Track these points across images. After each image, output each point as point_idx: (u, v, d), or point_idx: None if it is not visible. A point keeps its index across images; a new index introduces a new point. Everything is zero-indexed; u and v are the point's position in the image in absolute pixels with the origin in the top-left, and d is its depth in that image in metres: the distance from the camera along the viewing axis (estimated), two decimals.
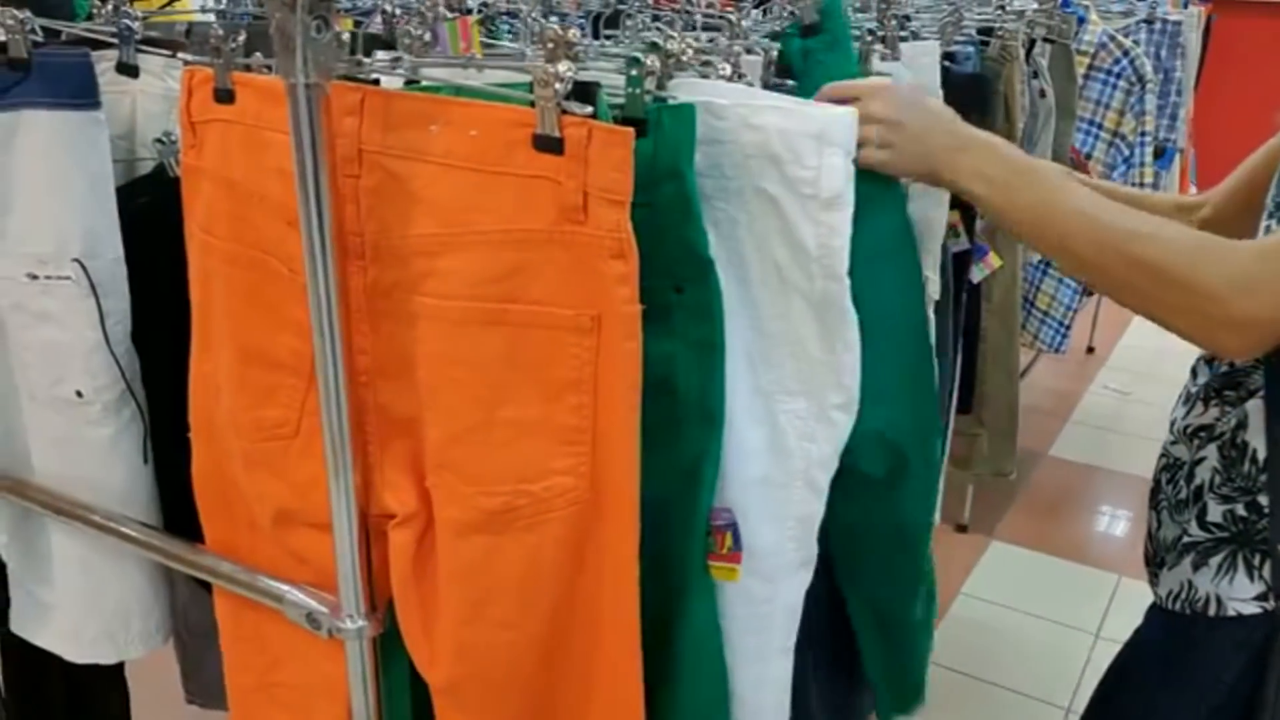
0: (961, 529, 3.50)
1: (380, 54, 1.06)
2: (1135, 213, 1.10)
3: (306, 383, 1.07)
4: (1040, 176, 1.14)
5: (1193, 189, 4.79)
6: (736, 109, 1.02)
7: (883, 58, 1.50)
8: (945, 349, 1.61)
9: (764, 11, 1.89)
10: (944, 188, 1.20)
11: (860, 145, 1.07)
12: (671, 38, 1.04)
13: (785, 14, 1.88)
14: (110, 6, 1.39)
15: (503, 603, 1.05)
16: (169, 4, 1.80)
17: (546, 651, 1.08)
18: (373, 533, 1.10)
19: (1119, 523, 3.71)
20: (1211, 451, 1.23)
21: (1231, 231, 1.23)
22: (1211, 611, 1.23)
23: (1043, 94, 2.56)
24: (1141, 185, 3.29)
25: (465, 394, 1.01)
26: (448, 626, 1.07)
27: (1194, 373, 1.33)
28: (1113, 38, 3.13)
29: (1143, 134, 3.26)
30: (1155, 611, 1.33)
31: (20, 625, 1.52)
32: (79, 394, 1.30)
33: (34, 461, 1.38)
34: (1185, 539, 1.26)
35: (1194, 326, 1.07)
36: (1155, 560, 1.34)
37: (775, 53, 1.19)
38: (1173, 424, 1.34)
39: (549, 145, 0.92)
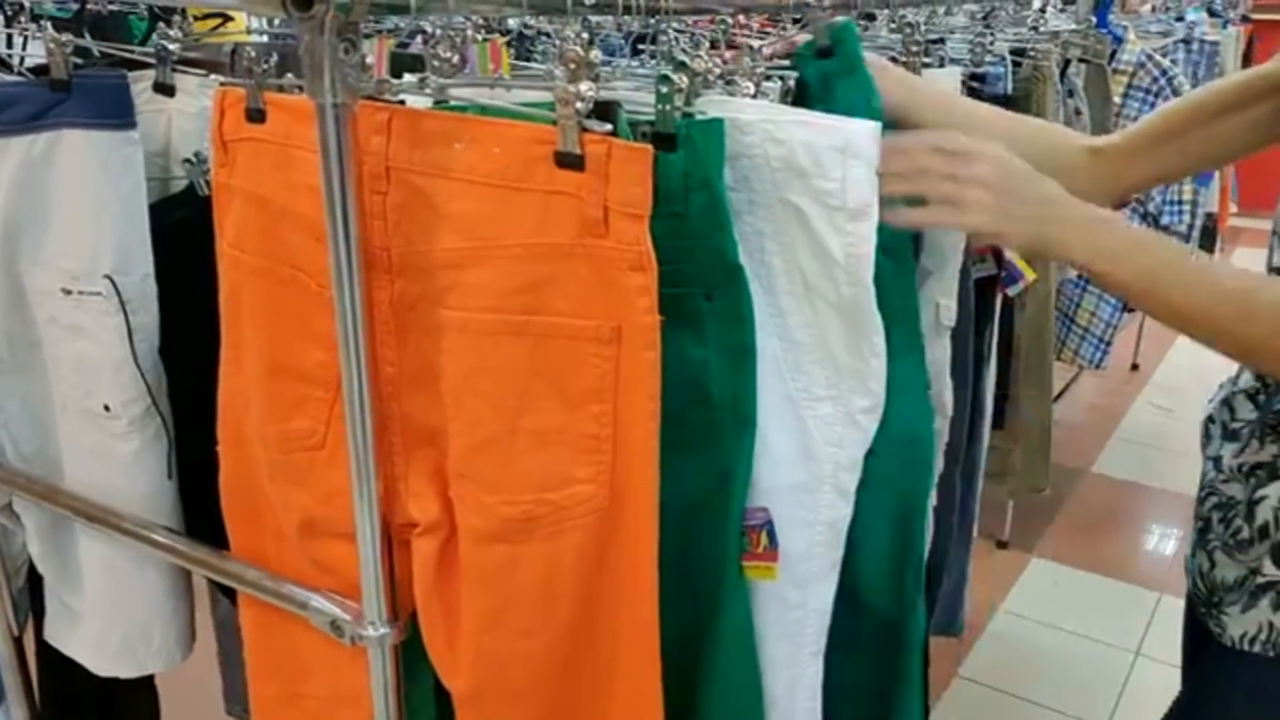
0: (1002, 545, 3.48)
1: (408, 76, 1.08)
2: (1253, 274, 1.09)
3: (333, 395, 1.09)
4: (1154, 246, 1.12)
5: (1233, 207, 4.75)
6: (762, 124, 1.04)
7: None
8: (964, 376, 1.60)
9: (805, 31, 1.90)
10: (1045, 258, 1.18)
11: (959, 208, 1.08)
12: (698, 57, 1.06)
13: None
14: (175, 29, 1.43)
15: (523, 611, 1.06)
16: (219, 26, 1.84)
17: (567, 659, 1.09)
18: (396, 542, 1.11)
19: (1161, 540, 3.67)
20: (1276, 489, 1.21)
21: (1125, 166, 1.34)
22: None
23: (1078, 113, 2.55)
24: (1180, 203, 3.27)
25: (488, 404, 1.02)
26: (469, 635, 1.08)
27: (1230, 407, 1.30)
28: (1150, 57, 3.12)
29: None
30: (1226, 654, 1.29)
31: (53, 634, 1.55)
32: (106, 408, 1.33)
33: (66, 471, 1.41)
34: (1259, 579, 1.23)
35: None
36: (1213, 602, 1.31)
37: (793, 82, 1.19)
38: (1217, 460, 1.30)
39: (570, 162, 0.94)
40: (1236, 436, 1.28)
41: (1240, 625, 1.26)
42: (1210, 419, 1.34)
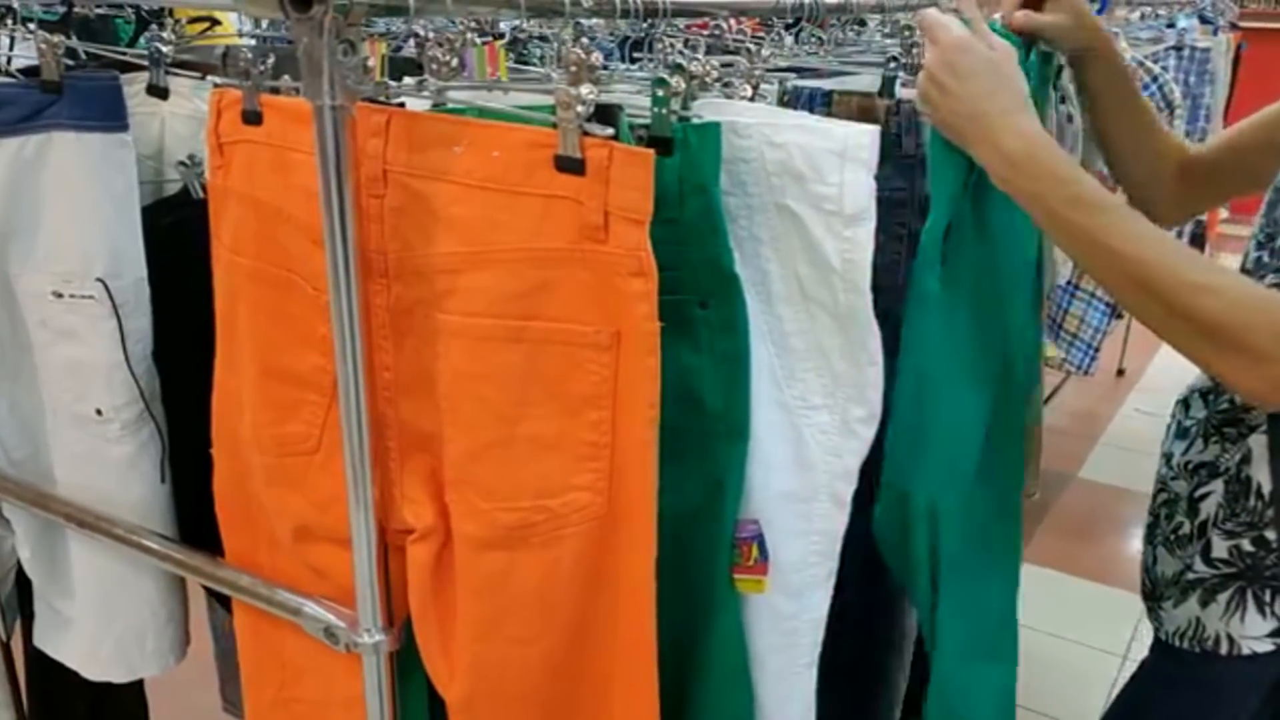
0: None
1: (407, 79, 1.07)
2: (1187, 253, 1.01)
3: (329, 399, 1.08)
4: (1089, 203, 1.02)
5: (1224, 213, 4.77)
6: (759, 128, 1.03)
7: (903, 84, 1.50)
8: None
9: (795, 37, 1.90)
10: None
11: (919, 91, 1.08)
12: (695, 60, 1.06)
13: (813, 39, 1.89)
14: (169, 31, 1.43)
15: (520, 619, 1.05)
16: (209, 29, 1.83)
17: (563, 667, 1.08)
18: (392, 548, 1.11)
19: None
20: (1217, 487, 1.22)
21: (1208, 180, 1.37)
22: (1223, 650, 1.21)
23: (1070, 119, 2.55)
24: None
25: (486, 410, 1.01)
26: (464, 642, 1.07)
27: (1185, 405, 1.31)
28: (1141, 63, 3.12)
29: None
30: (1162, 649, 1.31)
31: (42, 639, 1.54)
32: (99, 412, 1.32)
33: (57, 476, 1.40)
34: (1189, 575, 1.24)
35: (1244, 383, 0.99)
36: (1154, 595, 1.32)
37: (790, 84, 1.19)
38: (1168, 458, 1.31)
39: (570, 166, 0.93)
40: (1187, 434, 1.29)
41: (1174, 621, 1.28)
42: (1172, 416, 1.35)
